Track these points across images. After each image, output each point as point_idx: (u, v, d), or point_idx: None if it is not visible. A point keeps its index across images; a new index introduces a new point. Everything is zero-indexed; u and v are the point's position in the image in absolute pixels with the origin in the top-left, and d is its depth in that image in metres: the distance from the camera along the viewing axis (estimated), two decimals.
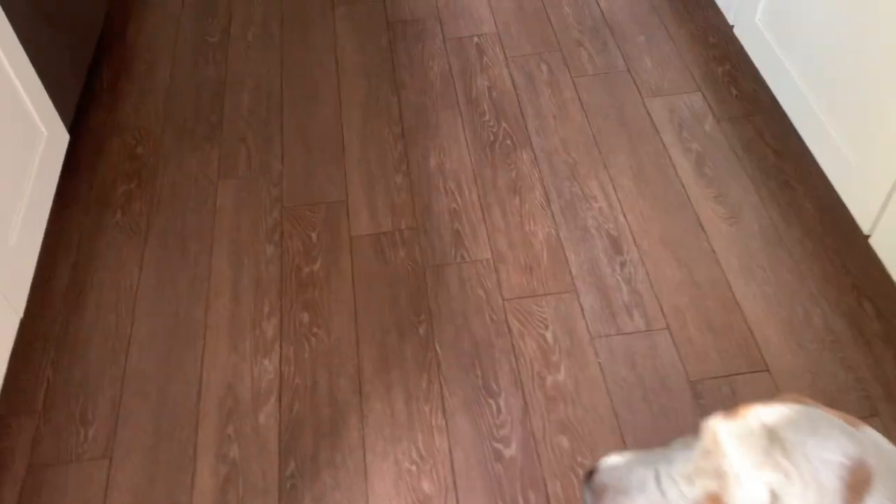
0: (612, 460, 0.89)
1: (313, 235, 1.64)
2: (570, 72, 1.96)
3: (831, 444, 0.73)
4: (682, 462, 0.80)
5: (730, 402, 1.35)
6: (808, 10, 1.54)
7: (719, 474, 0.75)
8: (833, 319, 1.45)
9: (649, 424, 1.33)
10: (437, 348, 1.45)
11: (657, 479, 0.80)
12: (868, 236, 1.45)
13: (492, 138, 1.81)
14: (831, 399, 1.34)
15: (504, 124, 1.84)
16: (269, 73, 2.01)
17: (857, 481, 0.71)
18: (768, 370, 1.38)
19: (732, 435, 0.76)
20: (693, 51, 2.00)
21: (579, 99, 1.89)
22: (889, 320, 1.44)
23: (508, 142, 1.80)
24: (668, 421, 1.33)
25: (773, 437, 0.74)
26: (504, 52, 2.02)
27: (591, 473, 0.89)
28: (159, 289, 1.56)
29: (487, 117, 1.86)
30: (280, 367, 1.43)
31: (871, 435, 0.76)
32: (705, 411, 1.34)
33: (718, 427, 0.78)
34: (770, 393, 1.36)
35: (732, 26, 1.90)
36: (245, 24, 2.16)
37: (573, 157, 1.76)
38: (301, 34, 2.11)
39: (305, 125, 1.87)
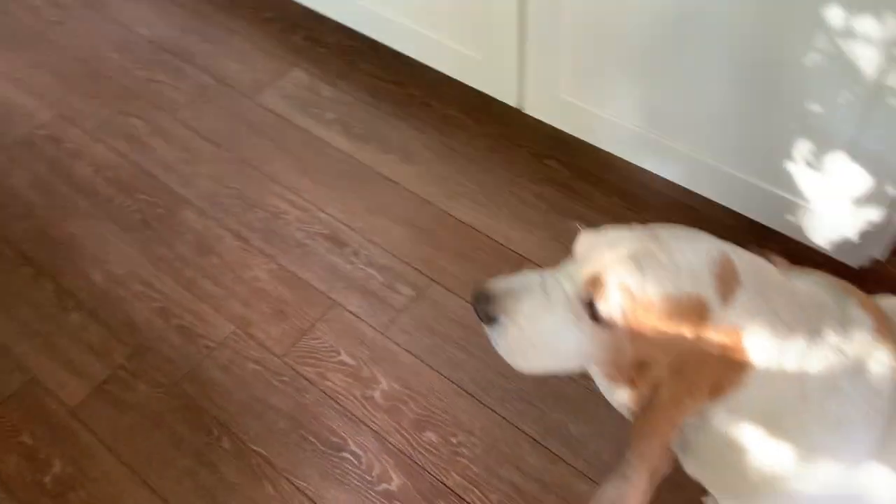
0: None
1: (26, 438, 1.29)
2: (166, 112, 1.77)
3: (702, 239, 0.80)
4: (565, 266, 0.83)
5: None
6: None
7: (598, 263, 0.79)
8: (538, 188, 1.58)
9: (482, 368, 1.33)
10: (255, 447, 1.26)
11: (542, 282, 0.83)
12: (519, 108, 1.58)
13: (141, 217, 1.58)
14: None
15: (142, 196, 1.61)
16: None
17: (726, 275, 0.77)
18: (529, 259, 1.47)
19: (610, 233, 0.81)
20: (262, 32, 1.93)
21: (196, 132, 1.73)
22: (569, 161, 1.61)
23: (160, 210, 1.59)
24: (494, 354, 1.34)
25: (649, 232, 0.80)
26: (83, 128, 1.75)
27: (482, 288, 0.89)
28: None
29: (120, 200, 1.61)
30: None
31: (730, 245, 0.84)
32: None
33: (597, 230, 0.83)
34: None
35: None
36: None
37: (234, 187, 1.62)
38: None
39: None
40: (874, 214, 1.20)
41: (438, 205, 1.57)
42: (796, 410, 0.77)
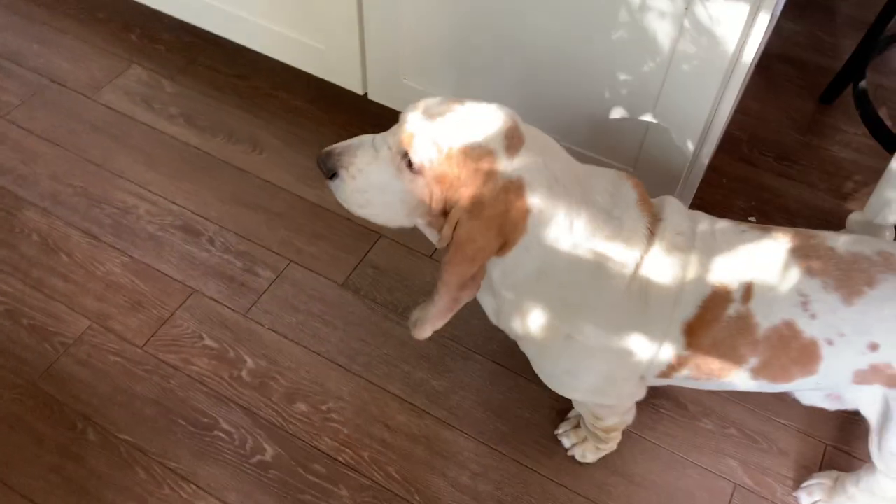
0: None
1: None
2: None
3: (498, 107, 0.96)
4: (393, 129, 0.98)
5: (380, 279, 1.48)
6: None
7: (412, 122, 0.94)
8: None
9: (346, 338, 1.39)
10: (123, 436, 1.26)
11: (373, 141, 0.98)
12: (366, 94, 1.66)
13: None
14: None
15: None
16: None
17: (513, 135, 0.94)
18: (384, 235, 1.54)
19: (427, 101, 0.96)
20: (95, 32, 1.89)
21: (31, 132, 1.67)
22: None
23: (1, 212, 1.52)
24: (357, 325, 1.41)
25: (455, 99, 0.96)
26: None
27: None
28: None
29: None
30: None
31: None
32: (369, 298, 1.45)
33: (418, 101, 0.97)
34: (405, 254, 1.53)
35: None
36: None
37: (78, 185, 1.58)
38: None
39: None
40: (676, 170, 1.38)
41: (290, 189, 1.61)
42: (569, 258, 0.95)
